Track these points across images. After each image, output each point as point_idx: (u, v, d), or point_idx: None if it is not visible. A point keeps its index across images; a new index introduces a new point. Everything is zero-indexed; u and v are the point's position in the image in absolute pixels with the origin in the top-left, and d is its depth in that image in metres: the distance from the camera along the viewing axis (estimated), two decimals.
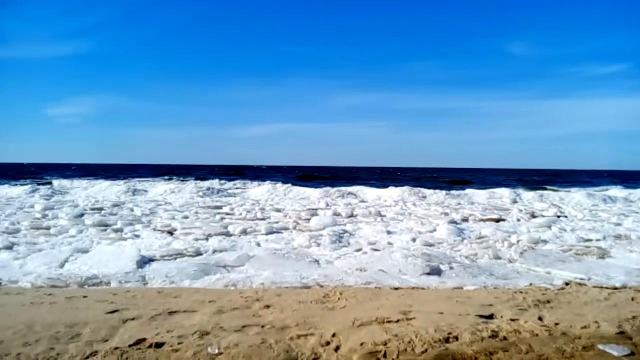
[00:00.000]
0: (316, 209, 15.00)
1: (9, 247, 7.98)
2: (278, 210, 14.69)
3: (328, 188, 22.80)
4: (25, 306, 4.51)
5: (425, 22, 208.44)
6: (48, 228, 10.30)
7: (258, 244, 8.79)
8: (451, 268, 6.93)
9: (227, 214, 13.79)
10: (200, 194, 21.28)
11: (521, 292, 5.24)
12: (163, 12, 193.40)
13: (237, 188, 26.42)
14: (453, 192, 21.90)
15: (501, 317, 4.18)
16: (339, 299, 4.85)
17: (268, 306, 4.52)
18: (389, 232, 10.34)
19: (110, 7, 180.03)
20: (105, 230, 10.19)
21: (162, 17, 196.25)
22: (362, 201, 19.37)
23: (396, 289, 5.57)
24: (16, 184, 26.00)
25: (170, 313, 4.26)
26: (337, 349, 3.43)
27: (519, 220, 13.12)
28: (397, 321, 3.98)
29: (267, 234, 9.95)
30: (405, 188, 21.85)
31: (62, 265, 6.79)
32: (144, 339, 3.53)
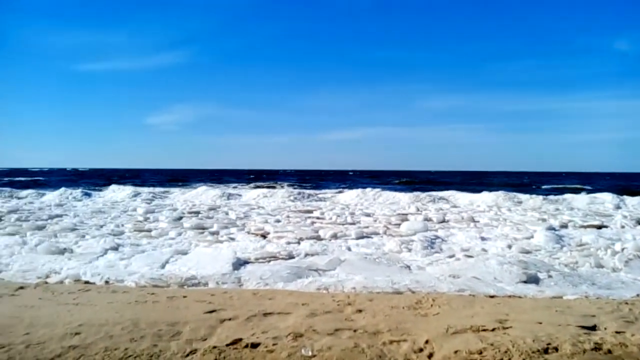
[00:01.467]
0: (406, 214, 14.86)
1: (115, 248, 8.49)
2: (368, 215, 14.68)
3: (418, 193, 22.47)
4: (131, 304, 4.78)
5: (521, 21, 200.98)
6: (149, 230, 10.87)
7: (349, 249, 8.82)
8: (550, 276, 6.64)
9: (318, 218, 13.96)
10: (292, 198, 21.64)
11: (627, 304, 4.93)
12: (255, 22, 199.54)
13: (326, 193, 26.67)
14: (551, 197, 20.94)
15: (605, 329, 3.96)
16: (431, 305, 4.78)
17: (360, 311, 4.53)
18: (482, 239, 10.05)
19: (204, 19, 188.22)
20: (203, 233, 10.63)
21: (254, 28, 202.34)
22: (454, 206, 18.94)
23: (491, 297, 5.41)
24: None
25: (265, 314, 4.37)
26: (430, 356, 3.39)
27: (623, 227, 12.32)
28: (493, 330, 3.87)
29: (358, 238, 9.96)
30: (500, 193, 21.12)
31: (163, 266, 7.13)
32: (241, 339, 3.64)
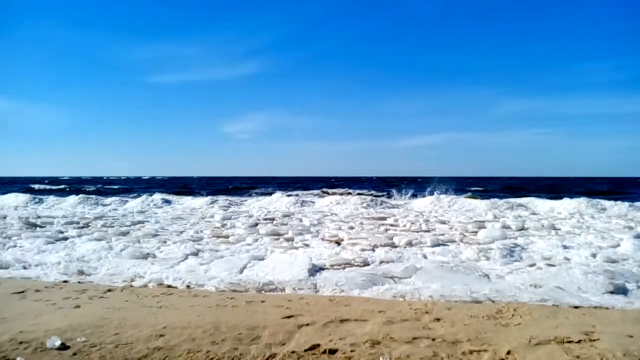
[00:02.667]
0: (484, 222, 14.51)
1: (195, 254, 8.77)
2: (443, 223, 14.45)
3: (496, 200, 21.90)
4: (212, 308, 4.91)
5: (596, 20, 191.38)
6: (227, 237, 11.17)
7: (424, 256, 8.69)
8: (639, 287, 6.30)
9: (392, 225, 13.85)
10: (364, 205, 21.61)
11: None
12: (324, 31, 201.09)
13: (399, 200, 26.47)
14: (637, 204, 19.85)
15: None
16: (513, 315, 4.64)
17: (438, 319, 4.46)
18: (565, 247, 9.65)
19: (276, 29, 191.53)
20: (278, 239, 10.79)
21: (323, 36, 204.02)
22: (534, 214, 18.32)
23: (576, 307, 5.19)
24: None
25: (342, 321, 4.38)
26: None
27: None
28: (579, 342, 3.71)
29: (433, 246, 9.80)
30: (582, 200, 20.23)
31: (241, 272, 7.30)
32: (319, 345, 3.67)
